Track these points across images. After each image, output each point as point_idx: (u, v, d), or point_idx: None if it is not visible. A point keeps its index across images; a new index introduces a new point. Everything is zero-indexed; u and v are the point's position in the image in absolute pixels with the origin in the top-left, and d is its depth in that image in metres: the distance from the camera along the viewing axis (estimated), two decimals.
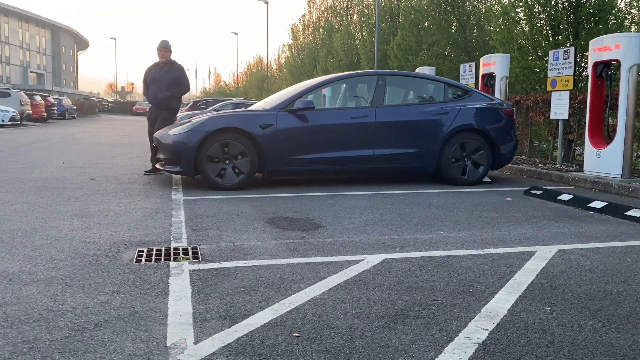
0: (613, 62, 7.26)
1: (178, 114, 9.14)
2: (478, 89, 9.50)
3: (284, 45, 54.31)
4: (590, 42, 7.53)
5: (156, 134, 6.96)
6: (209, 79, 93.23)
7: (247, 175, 6.38)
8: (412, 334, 2.38)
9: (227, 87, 70.37)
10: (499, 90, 9.68)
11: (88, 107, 43.23)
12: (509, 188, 6.93)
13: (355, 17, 35.06)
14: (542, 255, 3.68)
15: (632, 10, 10.95)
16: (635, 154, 7.64)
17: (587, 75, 7.63)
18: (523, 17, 11.22)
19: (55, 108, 30.20)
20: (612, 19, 10.39)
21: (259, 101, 8.97)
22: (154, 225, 4.42)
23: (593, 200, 5.59)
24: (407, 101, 7.49)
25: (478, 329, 2.43)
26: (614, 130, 7.14)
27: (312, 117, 6.63)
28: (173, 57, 8.04)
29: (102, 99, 72.41)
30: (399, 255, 3.62)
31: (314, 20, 41.13)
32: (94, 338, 2.28)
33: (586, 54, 8.78)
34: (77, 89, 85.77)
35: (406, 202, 5.74)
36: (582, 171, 7.59)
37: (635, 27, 10.76)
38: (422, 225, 4.60)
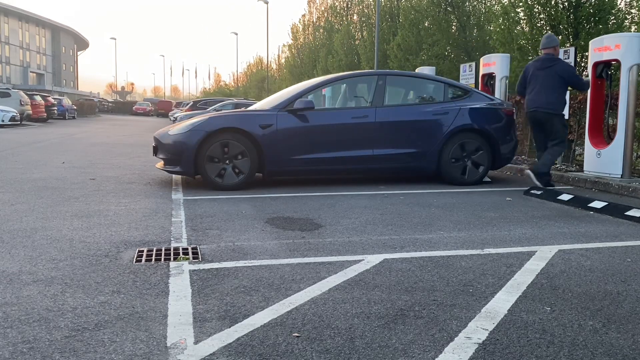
0: (613, 62, 7.26)
1: (178, 114, 9.03)
2: (478, 89, 9.49)
3: (284, 45, 54.36)
4: (590, 42, 7.53)
5: (156, 134, 6.95)
6: (209, 79, 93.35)
7: (247, 175, 6.38)
8: (412, 334, 2.38)
9: (227, 87, 70.39)
10: (499, 90, 9.68)
11: (88, 107, 43.24)
12: (509, 188, 6.93)
13: (355, 17, 35.10)
14: (542, 255, 3.68)
15: (632, 10, 10.96)
16: (635, 154, 7.63)
17: (587, 75, 7.63)
18: (523, 17, 11.23)
19: (55, 108, 30.19)
20: (612, 19, 10.40)
21: (259, 101, 8.97)
22: (154, 225, 4.42)
23: (593, 200, 5.59)
24: (407, 101, 7.49)
25: (478, 329, 2.43)
26: (614, 130, 7.14)
27: (312, 117, 6.63)
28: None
29: (102, 99, 72.49)
30: (399, 255, 3.62)
31: (314, 20, 41.16)
32: (94, 338, 2.28)
33: (586, 54, 8.79)
34: (77, 89, 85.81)
35: (406, 202, 5.74)
36: (582, 171, 7.58)
37: (635, 27, 10.77)
38: (422, 225, 4.60)
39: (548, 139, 6.64)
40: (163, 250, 3.64)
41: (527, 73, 6.72)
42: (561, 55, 8.31)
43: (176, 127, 6.64)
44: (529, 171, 6.63)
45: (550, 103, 6.46)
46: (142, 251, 3.61)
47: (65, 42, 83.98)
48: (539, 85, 6.52)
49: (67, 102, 34.55)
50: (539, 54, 10.72)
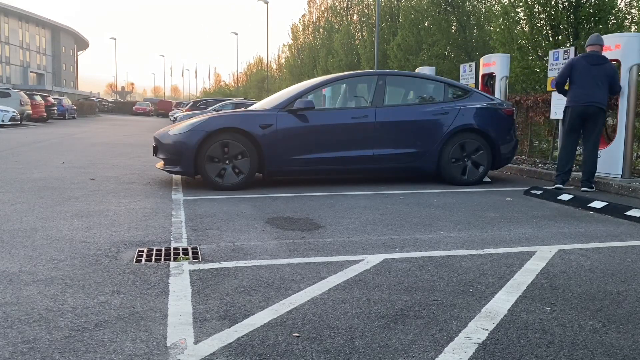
0: (613, 62, 7.26)
1: (178, 114, 9.02)
2: (478, 89, 9.49)
3: (284, 45, 54.43)
4: None
5: (156, 134, 6.95)
6: (209, 79, 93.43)
7: (247, 175, 6.38)
8: (412, 334, 2.38)
9: (227, 87, 70.40)
10: (499, 90, 9.68)
11: (88, 107, 43.23)
12: (509, 188, 6.93)
13: (355, 17, 35.10)
14: (542, 255, 3.68)
15: (632, 10, 10.97)
16: (635, 154, 7.64)
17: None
18: (523, 17, 11.24)
19: (55, 108, 30.18)
20: (612, 19, 10.40)
21: (259, 101, 8.97)
22: (154, 225, 4.42)
23: (593, 200, 5.59)
24: (407, 101, 7.48)
25: (478, 329, 2.43)
26: (614, 130, 7.15)
27: (312, 117, 6.63)
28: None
29: (102, 99, 72.50)
30: (399, 255, 3.62)
31: (314, 20, 41.16)
32: (94, 338, 2.28)
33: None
34: (77, 89, 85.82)
35: (406, 202, 5.74)
36: None
37: (635, 27, 10.78)
38: (422, 225, 4.60)
39: (587, 137, 6.52)
40: (163, 250, 3.65)
41: (574, 67, 6.50)
42: (561, 55, 8.32)
43: (176, 127, 6.64)
44: (585, 189, 6.51)
45: (604, 100, 6.42)
46: (142, 251, 3.61)
47: (65, 42, 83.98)
48: (593, 80, 6.40)
49: (67, 102, 34.54)
50: (539, 54, 10.74)
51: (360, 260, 3.48)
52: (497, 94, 9.57)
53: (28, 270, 3.16)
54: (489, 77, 10.15)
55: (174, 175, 7.32)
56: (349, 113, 6.85)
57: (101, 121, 33.46)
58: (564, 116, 6.79)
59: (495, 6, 19.05)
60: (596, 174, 6.86)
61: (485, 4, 22.55)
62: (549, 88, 8.63)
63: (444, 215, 5.02)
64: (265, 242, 3.91)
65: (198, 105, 24.88)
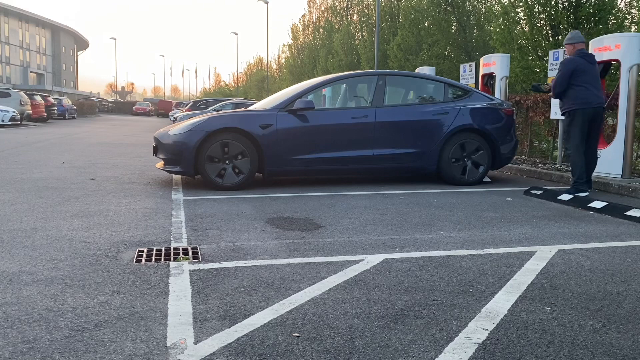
0: (613, 62, 7.26)
1: (178, 114, 8.99)
2: (478, 89, 9.50)
3: (284, 45, 54.50)
4: (590, 42, 7.52)
5: (156, 134, 6.95)
6: (209, 79, 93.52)
7: (247, 175, 6.38)
8: (412, 334, 2.38)
9: (227, 87, 70.46)
10: (499, 90, 9.69)
11: (88, 107, 43.21)
12: (509, 188, 6.93)
13: (355, 17, 35.16)
14: (542, 255, 3.68)
15: (632, 10, 10.97)
16: (635, 154, 7.64)
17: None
18: (523, 17, 11.25)
19: (55, 108, 30.18)
20: (612, 19, 10.41)
21: (259, 101, 8.97)
22: (154, 225, 4.42)
23: (593, 200, 5.59)
24: (407, 101, 7.49)
25: (478, 329, 2.43)
26: (614, 130, 7.15)
27: (312, 117, 6.63)
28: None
29: (102, 99, 72.49)
30: (399, 255, 3.62)
31: (314, 20, 41.22)
32: (94, 338, 2.28)
33: None
34: (77, 89, 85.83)
35: (406, 202, 5.74)
36: None
37: (635, 27, 10.78)
38: (422, 225, 4.60)
39: (593, 138, 6.27)
40: (163, 250, 3.64)
41: (576, 69, 6.06)
42: (561, 55, 8.33)
43: (176, 127, 6.64)
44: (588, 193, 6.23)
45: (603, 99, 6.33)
46: (142, 251, 3.61)
47: (65, 42, 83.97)
48: (597, 80, 6.22)
49: (67, 102, 34.52)
50: (539, 54, 10.75)
51: (360, 260, 3.48)
52: (497, 94, 9.58)
53: (28, 270, 3.16)
54: (489, 77, 10.16)
55: (174, 175, 7.32)
56: (349, 113, 6.85)
57: (101, 121, 33.46)
58: (572, 119, 6.26)
59: (495, 6, 19.05)
60: (595, 173, 6.87)
61: (485, 4, 22.58)
62: None
63: (444, 215, 5.02)
64: (265, 242, 3.91)
65: (198, 105, 24.87)
